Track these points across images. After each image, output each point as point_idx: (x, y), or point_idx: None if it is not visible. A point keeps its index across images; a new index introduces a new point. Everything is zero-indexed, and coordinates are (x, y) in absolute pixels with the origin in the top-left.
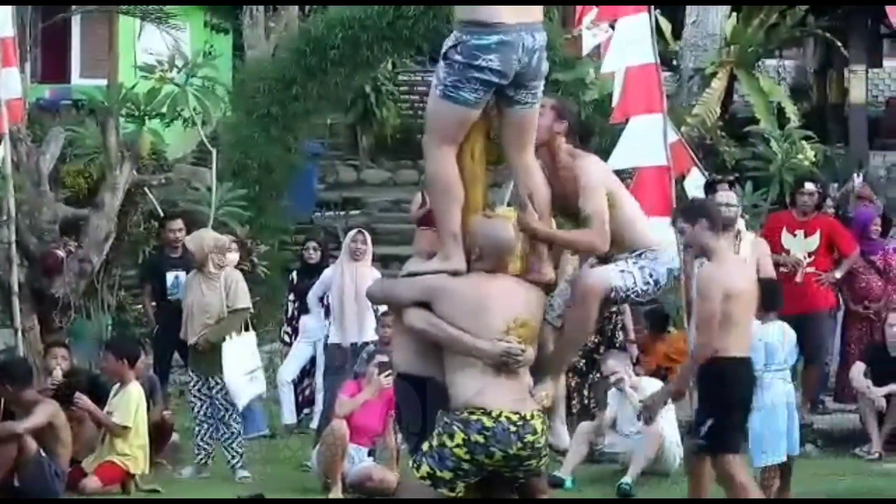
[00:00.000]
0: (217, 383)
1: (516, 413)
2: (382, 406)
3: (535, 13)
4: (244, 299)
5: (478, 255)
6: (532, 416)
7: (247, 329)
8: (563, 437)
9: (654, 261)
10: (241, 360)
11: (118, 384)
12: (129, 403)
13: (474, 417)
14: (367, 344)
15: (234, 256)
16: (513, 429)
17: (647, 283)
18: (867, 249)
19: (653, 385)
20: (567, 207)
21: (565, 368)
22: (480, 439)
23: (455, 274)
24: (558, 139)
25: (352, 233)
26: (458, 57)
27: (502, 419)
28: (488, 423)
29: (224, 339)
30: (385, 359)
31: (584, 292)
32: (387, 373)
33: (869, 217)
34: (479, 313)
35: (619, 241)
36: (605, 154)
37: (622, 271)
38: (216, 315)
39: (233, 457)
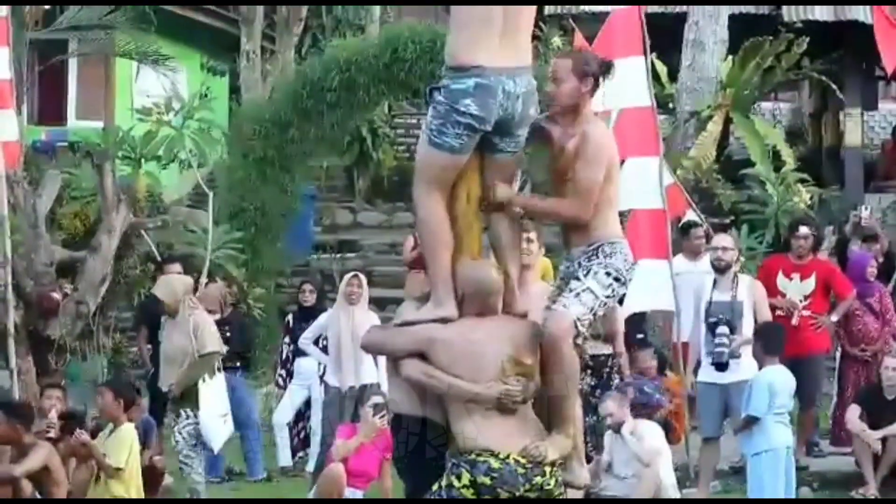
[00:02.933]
0: (187, 416)
1: (525, 455)
2: (378, 450)
3: (520, 57)
4: (212, 343)
5: (463, 299)
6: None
7: (219, 370)
8: (579, 473)
9: (612, 256)
10: (216, 402)
11: (111, 426)
12: (122, 445)
13: (481, 459)
14: (365, 387)
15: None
16: (521, 470)
17: (609, 284)
18: (864, 292)
19: (651, 429)
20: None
21: (571, 417)
22: (487, 481)
23: (445, 321)
24: (585, 99)
25: (347, 276)
26: (440, 99)
27: (510, 461)
28: (496, 464)
29: (195, 384)
30: (379, 400)
31: (552, 341)
32: (381, 414)
33: (866, 259)
34: (472, 358)
35: (585, 223)
36: None
37: (577, 295)
38: (188, 360)
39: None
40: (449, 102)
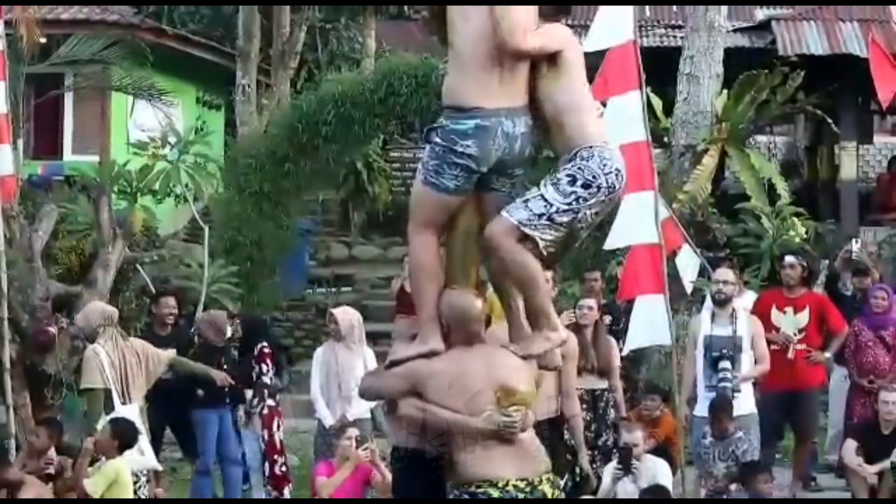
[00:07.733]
0: None
1: (523, 480)
2: (357, 479)
3: (518, 96)
4: (90, 379)
5: (449, 330)
6: (540, 482)
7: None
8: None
9: (588, 160)
10: None
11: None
12: (102, 477)
13: (481, 490)
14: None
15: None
16: (521, 496)
17: (572, 192)
18: (878, 324)
19: (663, 468)
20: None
21: (544, 311)
22: None
23: (432, 354)
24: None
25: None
26: (437, 140)
27: (509, 488)
28: (495, 493)
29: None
30: (355, 432)
31: (490, 243)
32: (364, 446)
33: (876, 290)
34: (464, 390)
35: (558, 129)
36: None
37: (525, 201)
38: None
39: None
40: (447, 143)
